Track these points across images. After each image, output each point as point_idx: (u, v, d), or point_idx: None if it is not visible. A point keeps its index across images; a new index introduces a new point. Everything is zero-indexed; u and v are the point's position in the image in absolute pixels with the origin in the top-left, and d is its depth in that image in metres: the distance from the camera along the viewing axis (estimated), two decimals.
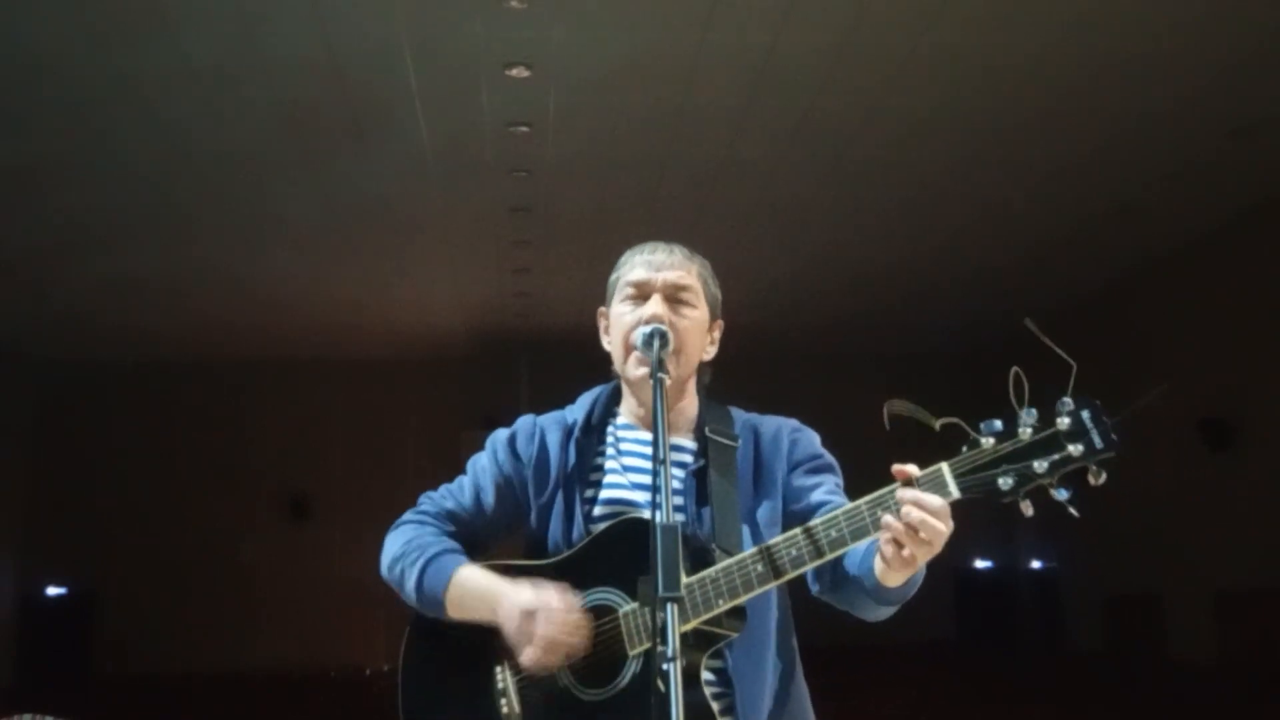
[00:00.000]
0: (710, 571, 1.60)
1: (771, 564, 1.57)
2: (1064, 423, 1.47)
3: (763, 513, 1.78)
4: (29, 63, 5.23)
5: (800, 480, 1.80)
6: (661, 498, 1.46)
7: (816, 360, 11.55)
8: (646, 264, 1.81)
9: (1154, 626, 8.95)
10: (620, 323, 1.80)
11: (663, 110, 5.99)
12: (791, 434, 1.86)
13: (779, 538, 1.60)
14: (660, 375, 1.61)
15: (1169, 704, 7.27)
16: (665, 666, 1.32)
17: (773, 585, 1.60)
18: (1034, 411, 1.48)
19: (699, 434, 1.84)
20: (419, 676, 1.85)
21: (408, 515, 1.89)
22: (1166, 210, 7.68)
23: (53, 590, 10.73)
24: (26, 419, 10.83)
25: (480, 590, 1.72)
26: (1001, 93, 5.86)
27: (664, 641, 1.33)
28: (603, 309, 1.90)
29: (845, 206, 7.57)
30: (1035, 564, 11.24)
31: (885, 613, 1.69)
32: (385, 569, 1.84)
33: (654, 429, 1.53)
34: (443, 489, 1.92)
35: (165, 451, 11.14)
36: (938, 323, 10.64)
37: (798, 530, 1.59)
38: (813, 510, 1.73)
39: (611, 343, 1.85)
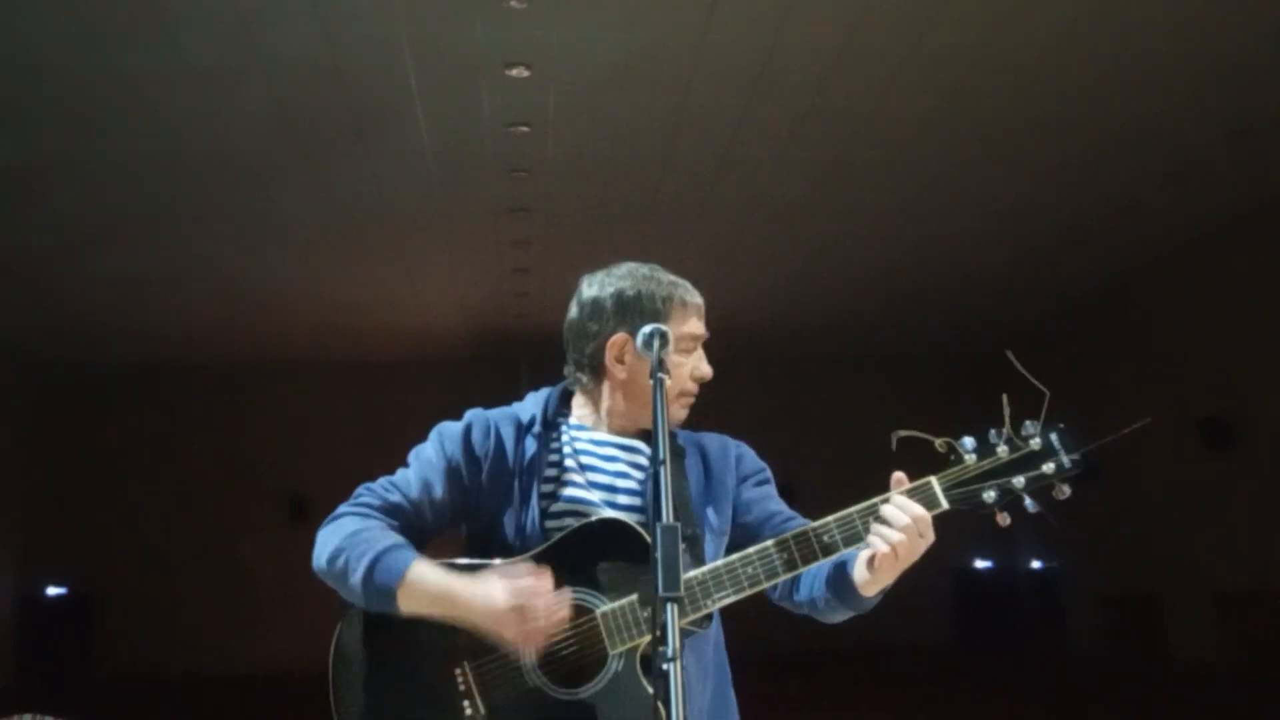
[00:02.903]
0: (698, 573, 1.65)
1: (765, 567, 1.65)
2: (1035, 444, 1.66)
3: (714, 520, 1.83)
4: (29, 63, 5.23)
5: (749, 493, 1.88)
6: (664, 499, 1.45)
7: (816, 360, 11.56)
8: (699, 314, 1.85)
9: (1153, 627, 8.95)
10: (677, 373, 1.81)
11: (663, 110, 5.99)
12: (736, 449, 1.94)
13: (770, 541, 1.66)
14: (660, 375, 1.61)
15: (1168, 704, 7.27)
16: (665, 666, 1.32)
17: (764, 587, 1.67)
18: (1006, 433, 1.66)
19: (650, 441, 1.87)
20: (356, 683, 1.73)
21: (346, 508, 1.80)
22: (1166, 210, 7.69)
23: (53, 590, 10.73)
24: (26, 419, 10.84)
25: (441, 585, 1.64)
26: (1001, 93, 5.87)
27: (664, 641, 1.34)
28: (623, 336, 1.80)
29: (845, 206, 7.57)
30: (1035, 564, 11.24)
31: (846, 616, 1.77)
32: (324, 562, 1.71)
33: (654, 430, 1.53)
34: (383, 481, 1.84)
35: (165, 451, 11.14)
36: (937, 322, 10.65)
37: (789, 536, 1.66)
38: (768, 518, 1.83)
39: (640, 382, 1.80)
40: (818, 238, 8.22)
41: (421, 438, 1.96)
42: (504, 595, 1.59)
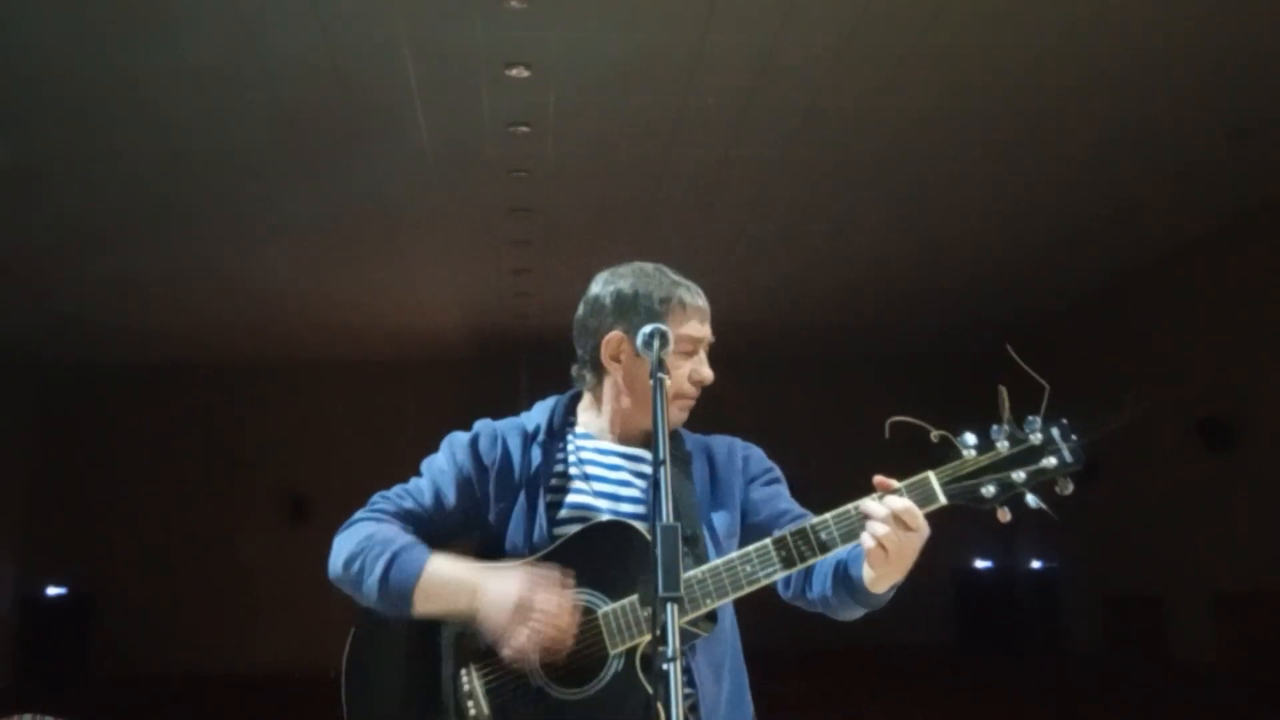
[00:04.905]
0: (697, 571, 1.64)
1: (764, 564, 1.63)
2: (1036, 438, 1.62)
3: (720, 523, 1.82)
4: (29, 63, 5.24)
5: (758, 493, 1.88)
6: (663, 499, 1.45)
7: (815, 360, 11.56)
8: (701, 316, 1.83)
9: (1153, 627, 8.95)
10: (674, 375, 1.79)
11: (663, 111, 5.99)
12: (744, 450, 1.93)
13: (769, 539, 1.65)
14: (660, 375, 1.61)
15: (1168, 704, 7.28)
16: (665, 666, 1.32)
17: (762, 585, 1.65)
18: (1007, 428, 1.62)
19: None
20: (368, 682, 1.79)
21: (361, 514, 1.84)
22: (1166, 210, 7.69)
23: (53, 590, 10.72)
24: (27, 419, 10.83)
25: (459, 579, 1.68)
26: (1001, 93, 5.87)
27: (664, 641, 1.34)
28: (619, 334, 1.80)
29: (845, 206, 7.57)
30: (1035, 564, 11.24)
31: (861, 613, 1.75)
32: (340, 567, 1.76)
33: (654, 430, 1.53)
34: (397, 489, 1.87)
35: (165, 451, 11.14)
36: (937, 322, 10.64)
37: (786, 532, 1.64)
38: (777, 517, 1.81)
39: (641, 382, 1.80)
40: (818, 238, 8.22)
41: (421, 438, 1.97)
42: (519, 586, 1.62)
